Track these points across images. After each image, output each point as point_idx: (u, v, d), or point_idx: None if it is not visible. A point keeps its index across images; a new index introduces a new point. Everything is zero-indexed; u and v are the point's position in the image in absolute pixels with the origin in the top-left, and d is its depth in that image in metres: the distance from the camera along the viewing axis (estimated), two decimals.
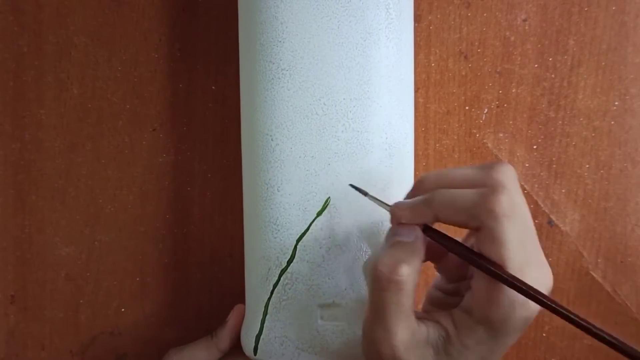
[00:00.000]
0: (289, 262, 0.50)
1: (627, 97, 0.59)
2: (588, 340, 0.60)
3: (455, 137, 0.60)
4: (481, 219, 0.39)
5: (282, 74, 0.49)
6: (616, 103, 0.59)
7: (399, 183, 0.50)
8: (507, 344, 0.41)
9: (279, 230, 0.50)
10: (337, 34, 0.49)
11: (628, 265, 0.60)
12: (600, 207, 0.60)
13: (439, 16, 0.60)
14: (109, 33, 0.61)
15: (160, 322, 0.63)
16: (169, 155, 0.62)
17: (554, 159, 0.60)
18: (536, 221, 0.60)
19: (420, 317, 0.42)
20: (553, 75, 0.59)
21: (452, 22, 0.60)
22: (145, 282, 0.62)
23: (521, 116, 0.60)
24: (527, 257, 0.40)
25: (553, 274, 0.59)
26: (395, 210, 0.44)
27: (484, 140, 0.60)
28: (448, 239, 0.43)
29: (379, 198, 0.46)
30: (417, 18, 0.59)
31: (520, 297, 0.39)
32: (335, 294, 0.49)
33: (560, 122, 0.60)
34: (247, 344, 0.52)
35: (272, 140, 0.50)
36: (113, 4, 0.61)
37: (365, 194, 0.47)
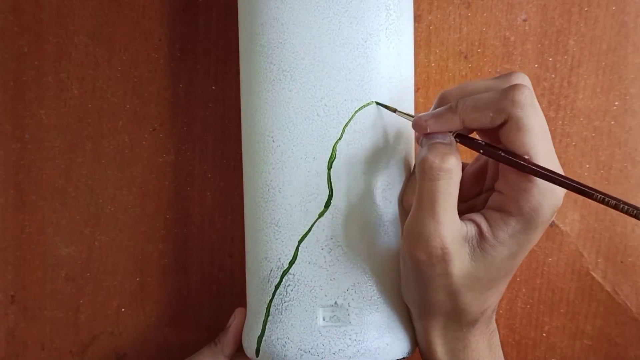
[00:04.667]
0: (291, 263, 0.50)
1: (627, 97, 0.59)
2: (588, 340, 0.60)
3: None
4: (507, 110, 0.42)
5: (283, 75, 0.49)
6: (616, 103, 0.59)
7: (400, 183, 0.51)
8: (535, 238, 0.45)
9: (280, 231, 0.50)
10: (337, 35, 0.49)
11: (628, 265, 0.60)
12: (600, 207, 0.59)
13: (439, 16, 0.60)
14: (109, 33, 0.61)
15: (160, 322, 0.63)
16: (169, 155, 0.62)
17: None
18: None
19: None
20: (553, 75, 0.60)
21: (452, 22, 0.60)
22: (145, 282, 0.62)
23: None
24: (550, 148, 0.43)
25: (553, 274, 0.59)
26: (418, 120, 0.46)
27: (484, 141, 0.60)
28: (478, 143, 0.45)
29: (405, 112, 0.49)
30: (417, 18, 0.59)
31: (549, 186, 0.42)
32: (337, 295, 0.49)
33: (560, 122, 0.60)
34: (249, 345, 0.52)
35: (273, 141, 0.50)
36: (113, 4, 0.61)
37: (394, 110, 0.49)
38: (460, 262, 0.43)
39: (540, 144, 0.42)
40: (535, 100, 0.42)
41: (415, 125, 0.46)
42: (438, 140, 0.45)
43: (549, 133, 0.44)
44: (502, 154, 0.43)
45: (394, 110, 0.49)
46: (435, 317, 0.47)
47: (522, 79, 0.44)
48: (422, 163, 0.43)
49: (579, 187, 0.41)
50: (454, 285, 0.44)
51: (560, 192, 0.43)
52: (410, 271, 0.46)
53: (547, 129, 0.43)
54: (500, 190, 0.44)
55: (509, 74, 0.45)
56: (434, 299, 0.46)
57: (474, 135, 0.47)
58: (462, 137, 0.45)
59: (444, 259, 0.43)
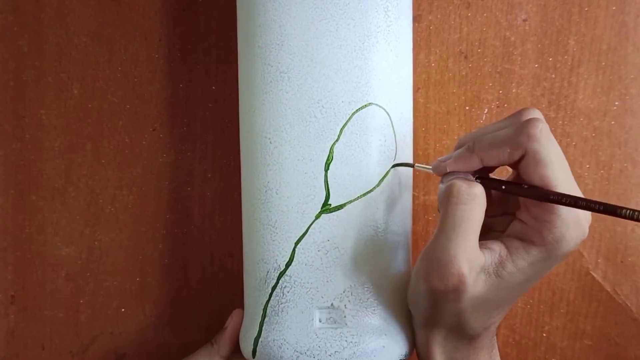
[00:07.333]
0: (288, 264, 0.50)
1: (627, 97, 0.59)
2: (588, 340, 0.60)
3: (456, 137, 0.60)
4: (524, 144, 0.42)
5: (281, 76, 0.49)
6: (616, 103, 0.59)
7: (397, 185, 0.50)
8: (553, 265, 0.45)
9: (277, 233, 0.50)
10: (335, 37, 0.49)
11: (628, 265, 0.60)
12: None
13: (439, 16, 0.60)
14: (109, 33, 0.61)
15: (160, 322, 0.63)
16: (169, 155, 0.62)
17: None
18: None
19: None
20: (553, 75, 0.59)
21: (452, 22, 0.60)
22: (145, 282, 0.62)
23: None
24: (570, 178, 0.43)
25: (553, 274, 0.59)
26: (437, 163, 0.46)
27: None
28: (499, 181, 0.45)
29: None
30: (417, 18, 0.59)
31: (573, 217, 0.42)
32: (333, 296, 0.49)
33: (560, 122, 0.60)
34: (246, 347, 0.52)
35: (270, 143, 0.50)
36: (113, 4, 0.61)
37: (412, 165, 0.50)
38: (473, 289, 0.43)
39: (559, 175, 0.42)
40: (551, 134, 0.43)
41: (435, 168, 0.46)
42: (460, 175, 0.45)
43: (567, 164, 0.44)
44: (525, 187, 0.43)
45: (412, 166, 0.50)
46: (438, 328, 0.47)
47: (535, 113, 0.44)
48: (450, 187, 0.43)
49: (605, 208, 0.40)
50: (463, 309, 0.44)
51: (585, 222, 0.43)
52: (421, 289, 0.46)
53: (564, 160, 0.43)
54: (523, 220, 0.44)
55: (521, 111, 0.45)
56: (441, 316, 0.46)
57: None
58: (483, 178, 0.45)
59: (459, 288, 0.43)
